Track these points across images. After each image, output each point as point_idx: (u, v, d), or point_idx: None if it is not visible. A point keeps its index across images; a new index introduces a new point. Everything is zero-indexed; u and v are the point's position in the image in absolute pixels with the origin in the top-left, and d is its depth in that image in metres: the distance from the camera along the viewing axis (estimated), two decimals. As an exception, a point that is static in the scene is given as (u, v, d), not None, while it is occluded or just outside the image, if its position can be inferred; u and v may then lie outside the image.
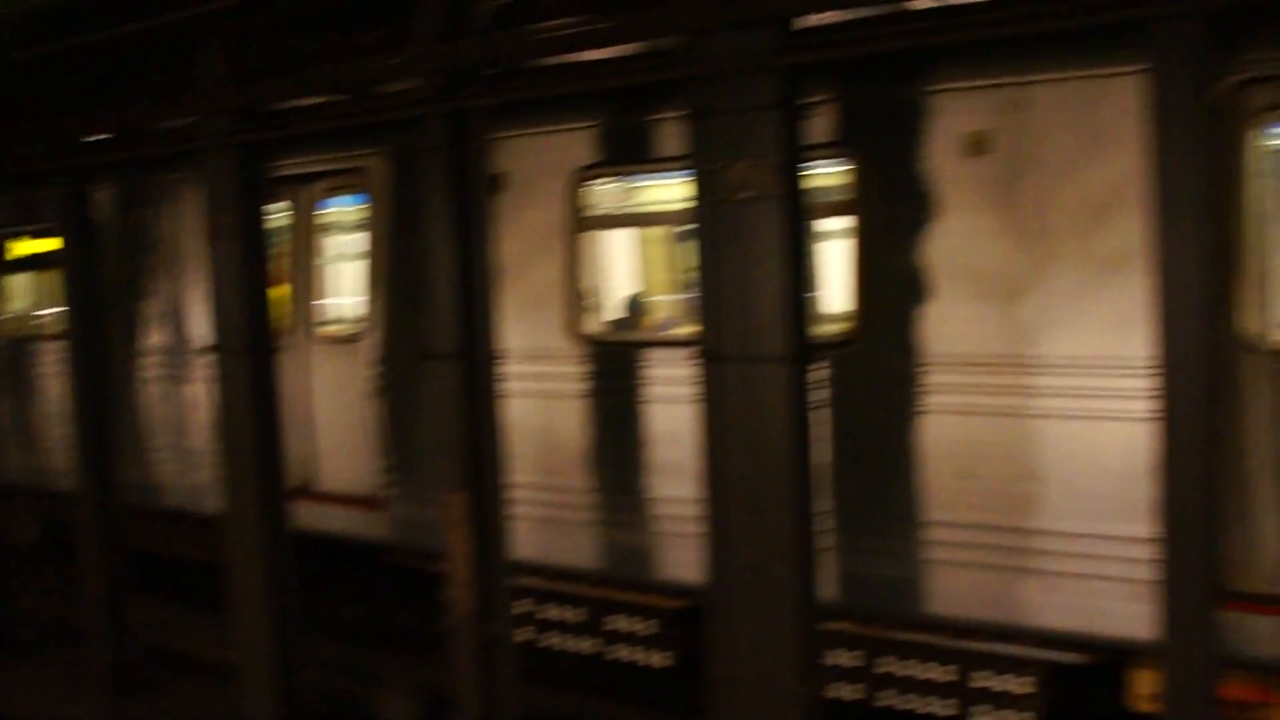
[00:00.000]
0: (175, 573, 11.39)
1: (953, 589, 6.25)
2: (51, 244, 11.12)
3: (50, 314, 12.28)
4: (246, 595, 7.62)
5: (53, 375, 11.08)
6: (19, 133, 8.96)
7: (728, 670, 5.69)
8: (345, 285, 8.98)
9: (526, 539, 7.21)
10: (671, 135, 6.71)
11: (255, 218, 7.32)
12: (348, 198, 8.82)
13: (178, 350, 9.67)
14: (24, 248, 11.39)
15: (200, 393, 9.48)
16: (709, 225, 5.52)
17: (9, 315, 11.65)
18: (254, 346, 7.33)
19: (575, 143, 7.24)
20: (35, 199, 10.95)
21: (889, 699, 6.75)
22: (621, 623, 7.59)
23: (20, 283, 11.89)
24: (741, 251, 5.42)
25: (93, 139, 8.52)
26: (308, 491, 8.59)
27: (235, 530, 7.59)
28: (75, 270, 8.56)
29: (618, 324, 8.00)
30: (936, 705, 6.55)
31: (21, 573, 10.49)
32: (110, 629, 8.82)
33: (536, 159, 7.39)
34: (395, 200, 8.22)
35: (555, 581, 7.78)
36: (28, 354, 11.23)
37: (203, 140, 7.39)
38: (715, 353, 5.56)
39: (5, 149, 9.17)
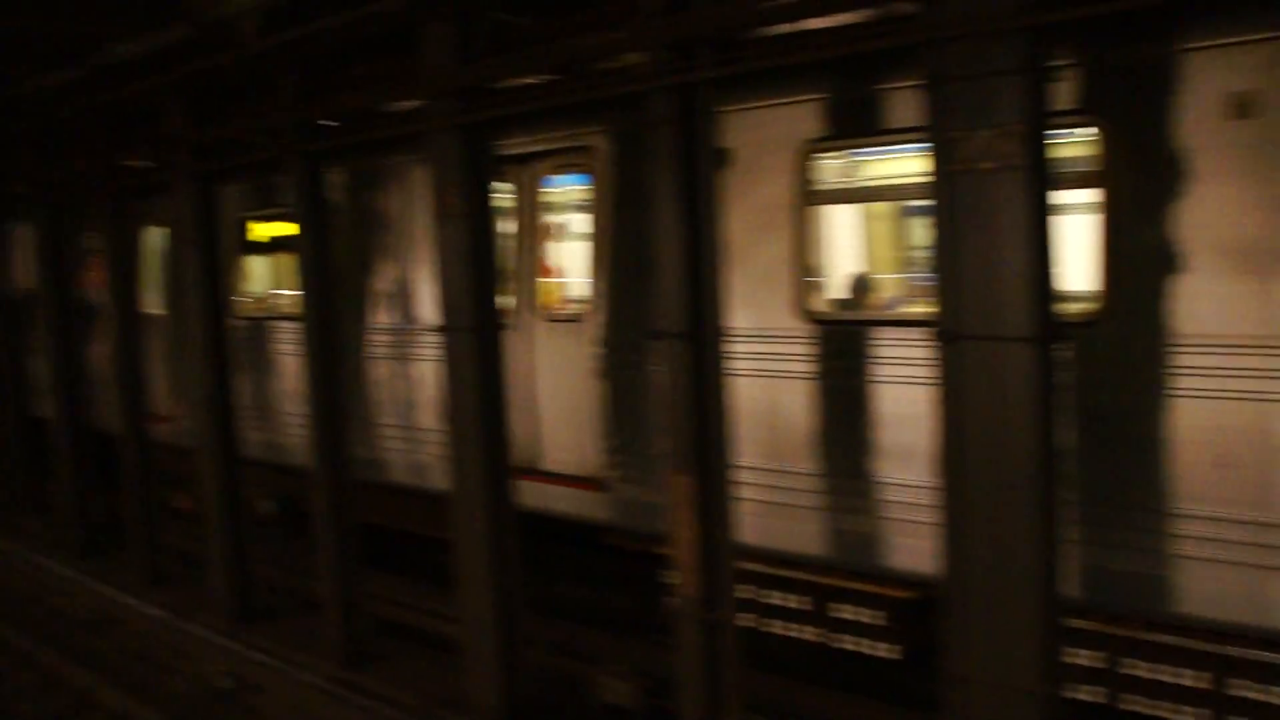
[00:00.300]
0: (401, 546, 11.81)
1: (1208, 588, 5.84)
2: (287, 227, 11.68)
3: (286, 295, 12.88)
4: (471, 573, 7.77)
5: (288, 354, 11.60)
6: (257, 121, 9.33)
7: (963, 666, 5.47)
8: (568, 265, 9.04)
9: (749, 523, 7.12)
10: (904, 105, 6.46)
11: (482, 197, 7.41)
12: (570, 177, 8.87)
13: (406, 329, 9.93)
14: (263, 231, 11.88)
15: (426, 371, 9.75)
16: (947, 198, 5.28)
17: (249, 296, 12.19)
18: (481, 326, 7.44)
19: (803, 115, 7.06)
20: (273, 184, 11.47)
21: (1134, 704, 6.38)
22: (847, 612, 7.41)
23: (259, 265, 12.44)
24: (983, 225, 5.17)
25: (324, 124, 8.78)
26: (530, 471, 8.68)
27: (461, 508, 7.74)
28: (309, 252, 8.86)
29: (845, 303, 7.80)
30: (1189, 714, 6.15)
31: (259, 544, 10.99)
32: (341, 600, 9.13)
33: (762, 133, 7.22)
34: (618, 178, 8.20)
35: (778, 567, 7.66)
36: (265, 333, 11.74)
37: (429, 121, 7.53)
38: (953, 332, 5.33)
39: (245, 137, 9.57)
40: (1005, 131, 5.04)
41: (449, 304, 7.55)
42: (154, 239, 13.69)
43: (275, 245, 11.89)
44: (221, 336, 10.25)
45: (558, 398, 8.73)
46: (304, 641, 9.68)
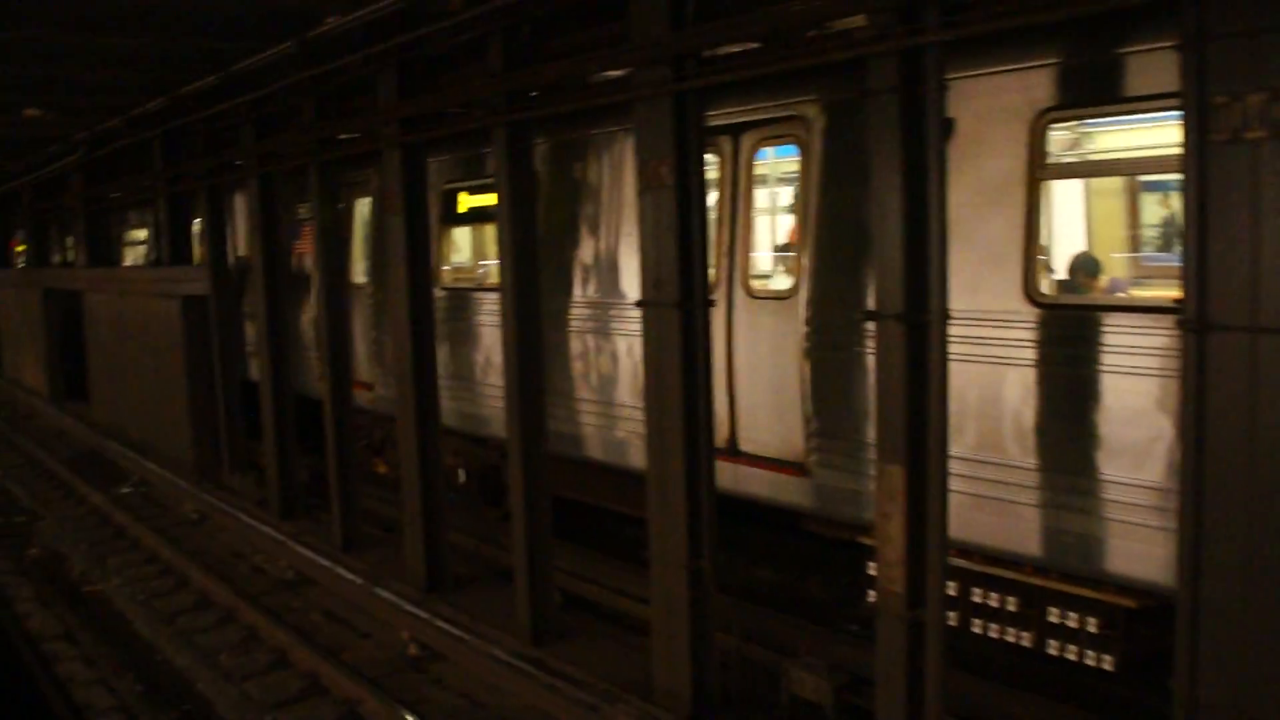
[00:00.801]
0: (593, 521, 11.79)
1: None
2: (490, 198, 11.74)
3: (486, 266, 12.99)
4: (666, 554, 7.61)
5: (485, 325, 11.69)
6: (464, 91, 9.34)
7: (1197, 690, 5.04)
8: (774, 240, 8.78)
9: (956, 516, 6.75)
10: (1155, 69, 5.95)
11: (691, 168, 7.21)
12: (777, 148, 8.60)
13: (605, 302, 9.83)
14: (466, 201, 11.97)
15: (625, 346, 9.65)
16: (1202, 172, 4.84)
17: (449, 266, 12.32)
18: (687, 301, 7.25)
19: (1037, 82, 6.61)
20: (477, 155, 11.54)
21: None
22: (1061, 616, 6.97)
23: (461, 236, 12.57)
24: (1245, 202, 4.71)
25: (531, 94, 8.72)
26: (723, 452, 8.46)
27: (659, 488, 7.59)
28: (512, 223, 8.81)
29: (1076, 285, 7.32)
30: None
31: (450, 512, 11.11)
32: (531, 575, 9.11)
33: (988, 102, 6.81)
34: (829, 149, 7.90)
35: (986, 565, 7.27)
36: (464, 304, 11.85)
37: (639, 89, 7.37)
38: (1204, 321, 4.89)
39: (451, 108, 9.62)
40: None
41: (654, 278, 7.38)
42: (363, 210, 14.00)
43: (477, 216, 11.97)
44: (426, 307, 10.34)
45: (758, 377, 8.49)
46: (491, 613, 9.72)
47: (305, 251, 15.39)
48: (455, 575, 10.75)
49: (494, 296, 11.38)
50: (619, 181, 9.86)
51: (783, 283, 8.58)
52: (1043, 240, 6.81)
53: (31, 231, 24.67)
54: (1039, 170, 6.62)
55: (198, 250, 17.11)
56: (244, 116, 13.03)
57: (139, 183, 18.04)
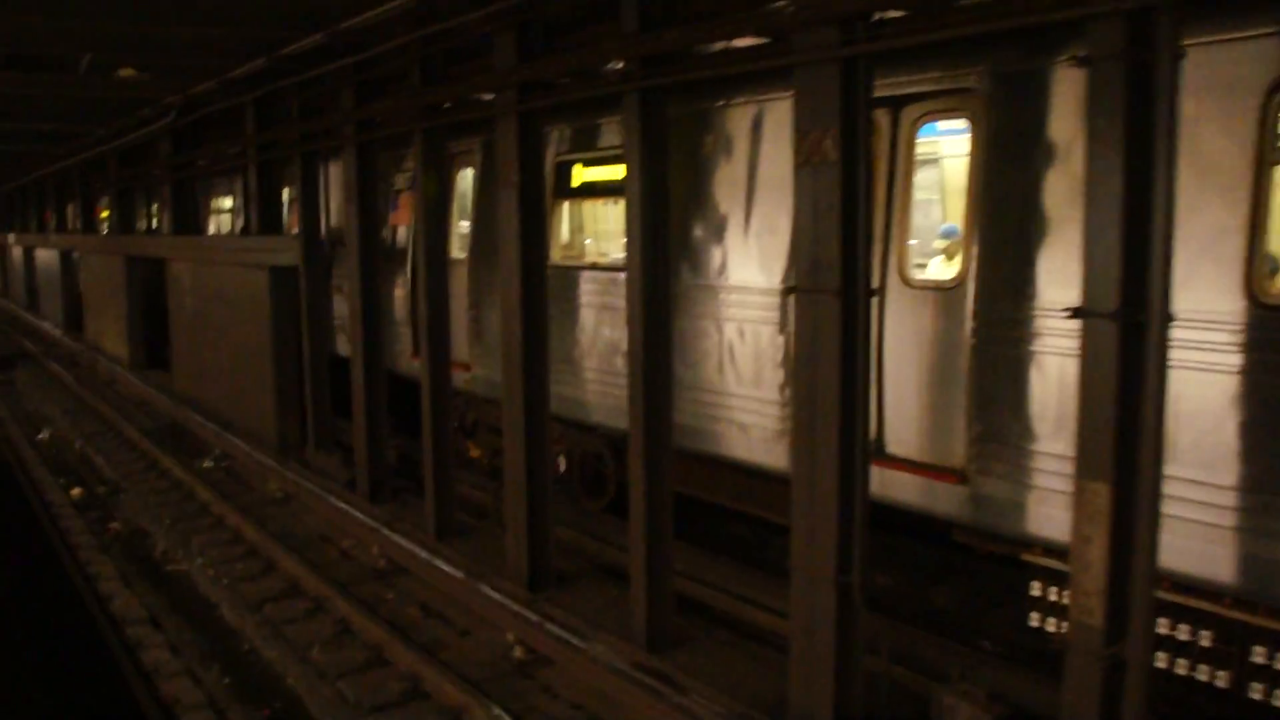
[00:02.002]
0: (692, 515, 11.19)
1: None
2: (606, 171, 11.17)
3: (598, 243, 12.42)
4: (811, 565, 6.97)
5: (593, 306, 11.12)
6: (595, 51, 8.74)
7: None
8: (937, 225, 8.09)
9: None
10: None
11: (858, 142, 6.54)
12: (941, 124, 7.91)
13: (714, 286, 9.18)
14: (578, 175, 11.40)
15: (734, 331, 9.04)
16: None
17: (560, 243, 11.76)
18: (848, 289, 6.59)
19: (1271, 52, 5.86)
20: (594, 125, 10.95)
21: None
22: (1269, 656, 6.26)
23: (572, 210, 12.00)
24: None
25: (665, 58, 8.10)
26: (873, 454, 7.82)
27: (806, 493, 6.94)
28: (642, 199, 8.20)
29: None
30: None
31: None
32: (649, 578, 8.53)
33: (1210, 73, 6.06)
34: (1006, 126, 7.19)
35: (1180, 594, 6.56)
36: (570, 282, 11.28)
37: (801, 54, 6.70)
38: None
39: (577, 73, 9.03)
40: None
41: (810, 262, 6.73)
42: (463, 182, 13.49)
43: (592, 190, 11.40)
44: (539, 286, 9.76)
45: (912, 373, 7.83)
46: (600, 615, 9.17)
47: (399, 224, 14.92)
48: (560, 570, 10.20)
49: (605, 276, 11.01)
50: (742, 157, 9.23)
51: (947, 272, 7.90)
52: (1272, 233, 6.06)
53: (116, 198, 24.50)
54: (1271, 153, 5.87)
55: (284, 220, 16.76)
56: (345, 80, 12.52)
57: (229, 149, 17.69)
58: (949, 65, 7.47)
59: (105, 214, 28.10)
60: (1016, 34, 6.90)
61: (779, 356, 8.96)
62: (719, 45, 8.32)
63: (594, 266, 11.23)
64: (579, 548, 11.21)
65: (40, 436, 18.99)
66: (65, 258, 31.32)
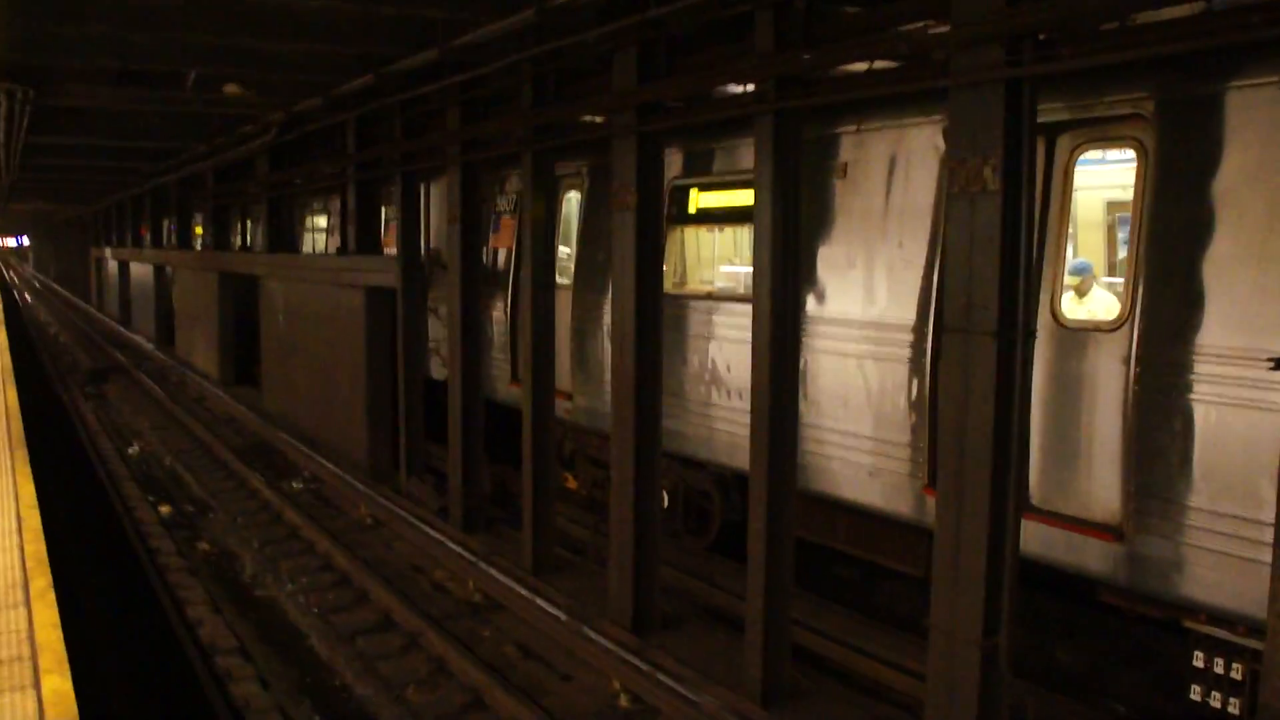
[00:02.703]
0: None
1: None
2: (725, 196, 10.82)
3: (713, 271, 12.06)
4: (953, 625, 6.49)
5: (701, 337, 10.75)
6: (725, 70, 8.39)
7: None
8: (1096, 261, 7.60)
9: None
10: None
11: (1022, 170, 6.09)
12: (1102, 152, 7.44)
13: (875, 324, 8.75)
14: (699, 200, 11.05)
15: (901, 375, 8.62)
16: None
17: (671, 270, 11.41)
18: (1008, 329, 6.13)
19: None
20: (711, 149, 10.61)
21: None
22: None
23: (686, 237, 11.65)
24: None
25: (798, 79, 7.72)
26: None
27: (950, 547, 6.47)
28: (773, 226, 7.81)
29: None
30: None
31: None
32: (766, 628, 8.10)
33: None
34: (1179, 155, 6.70)
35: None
36: (680, 311, 10.91)
37: (960, 75, 6.27)
38: None
39: (702, 93, 8.68)
40: None
41: (964, 299, 6.27)
42: (569, 205, 13.21)
43: (709, 217, 11.06)
44: (655, 315, 9.40)
45: (1062, 418, 7.33)
46: (708, 663, 8.76)
47: (499, 247, 14.68)
48: (665, 613, 9.79)
49: (719, 306, 10.62)
50: (877, 186, 8.83)
51: (1106, 311, 7.40)
52: None
53: (212, 214, 24.67)
54: None
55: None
56: (451, 98, 12.30)
57: (327, 168, 17.63)
58: (1114, 89, 6.99)
59: (200, 230, 28.35)
60: (1184, 57, 6.47)
61: (908, 396, 8.52)
62: (855, 67, 7.98)
63: (711, 296, 10.83)
64: (683, 588, 10.80)
65: (130, 451, 18.99)
66: (159, 273, 31.68)
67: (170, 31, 10.89)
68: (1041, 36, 6.02)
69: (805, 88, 7.72)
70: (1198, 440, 6.51)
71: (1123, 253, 8.55)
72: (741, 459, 10.29)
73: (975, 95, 6.19)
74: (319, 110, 15.40)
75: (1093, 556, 7.11)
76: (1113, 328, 7.07)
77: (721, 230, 11.86)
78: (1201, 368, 6.44)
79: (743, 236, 11.66)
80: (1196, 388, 6.48)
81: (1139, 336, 6.79)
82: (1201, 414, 6.47)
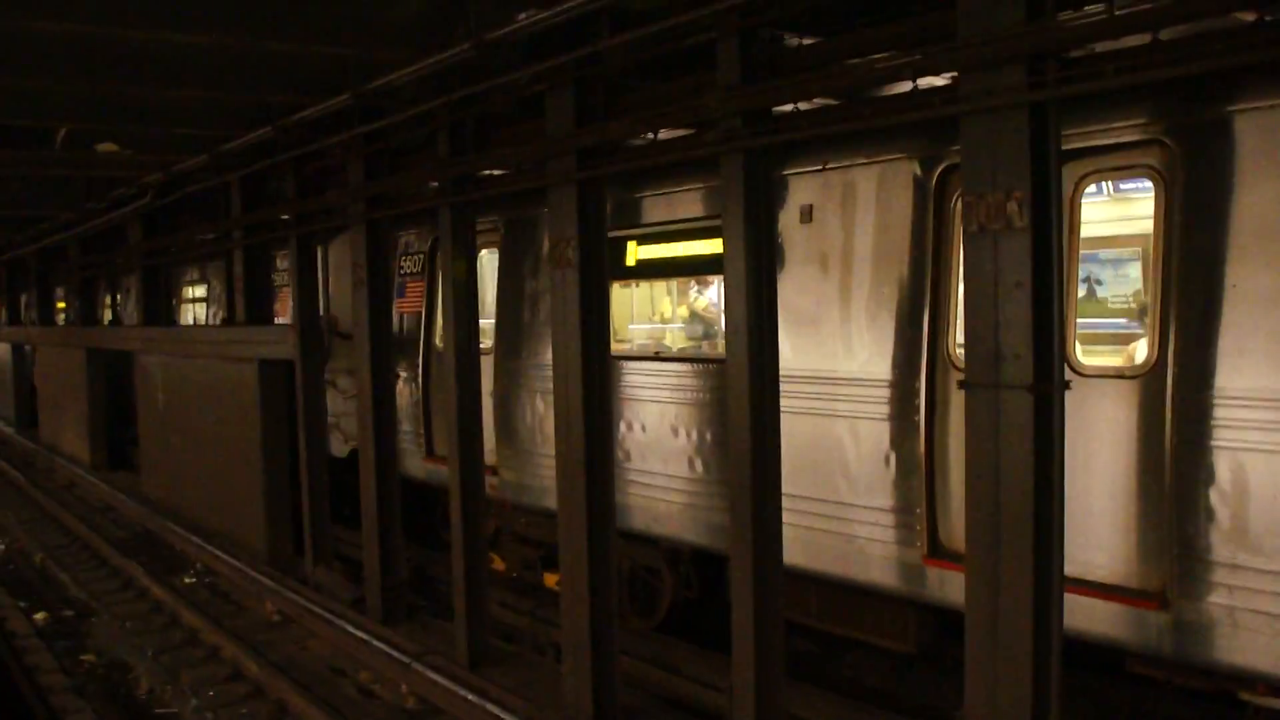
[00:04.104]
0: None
1: None
2: (669, 248, 10.23)
3: (659, 329, 11.44)
4: (993, 710, 5.85)
5: (645, 401, 10.12)
6: (687, 107, 7.77)
7: None
8: (1111, 303, 7.14)
9: None
10: None
11: (1049, 202, 5.57)
12: (1118, 182, 7.00)
13: (891, 381, 8.13)
14: (638, 252, 10.41)
15: (889, 435, 8.04)
16: None
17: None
18: (1043, 382, 5.55)
19: None
20: (650, 196, 10.03)
21: None
22: None
23: (622, 293, 11.01)
24: None
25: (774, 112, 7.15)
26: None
27: (987, 626, 5.84)
28: (747, 276, 7.17)
29: None
30: None
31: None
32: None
33: None
34: (1202, 183, 6.26)
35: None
36: (618, 374, 10.24)
37: (973, 100, 5.73)
38: None
39: (656, 131, 8.06)
40: None
41: (989, 350, 5.69)
42: (486, 264, 12.46)
43: (651, 270, 10.43)
44: (603, 381, 8.69)
45: (1085, 476, 6.79)
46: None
47: (406, 311, 13.86)
48: (627, 707, 9.00)
49: (665, 367, 9.99)
50: (846, 231, 8.32)
51: (1128, 359, 6.92)
52: None
53: (79, 287, 23.28)
54: None
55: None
56: (355, 151, 11.47)
57: (205, 235, 16.60)
58: (1126, 115, 6.55)
59: (63, 304, 26.85)
60: (1196, 81, 6.07)
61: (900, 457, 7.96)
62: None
63: (658, 357, 10.18)
64: (640, 676, 9.99)
65: (-6, 550, 17.56)
66: (17, 351, 29.93)
67: (37, 79, 9.84)
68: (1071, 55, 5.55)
69: (776, 123, 7.14)
70: (1251, 493, 6.01)
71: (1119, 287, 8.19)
72: (701, 533, 9.66)
73: (992, 122, 5.65)
74: (201, 170, 14.38)
75: (1134, 626, 6.57)
76: (1138, 374, 6.57)
77: (663, 285, 11.27)
78: (1253, 413, 5.95)
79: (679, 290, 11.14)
80: (1248, 436, 5.99)
81: (1174, 382, 6.28)
82: (1257, 464, 5.97)
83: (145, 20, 8.28)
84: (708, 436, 9.52)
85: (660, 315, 11.73)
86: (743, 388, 7.25)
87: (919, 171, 7.80)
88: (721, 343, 10.82)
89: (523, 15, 7.65)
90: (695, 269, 10.09)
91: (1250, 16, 5.13)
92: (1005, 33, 5.52)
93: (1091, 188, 7.00)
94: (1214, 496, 6.19)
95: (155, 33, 8.56)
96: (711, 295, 10.89)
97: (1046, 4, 5.49)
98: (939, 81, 6.68)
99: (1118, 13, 5.23)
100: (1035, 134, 5.52)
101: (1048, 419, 5.60)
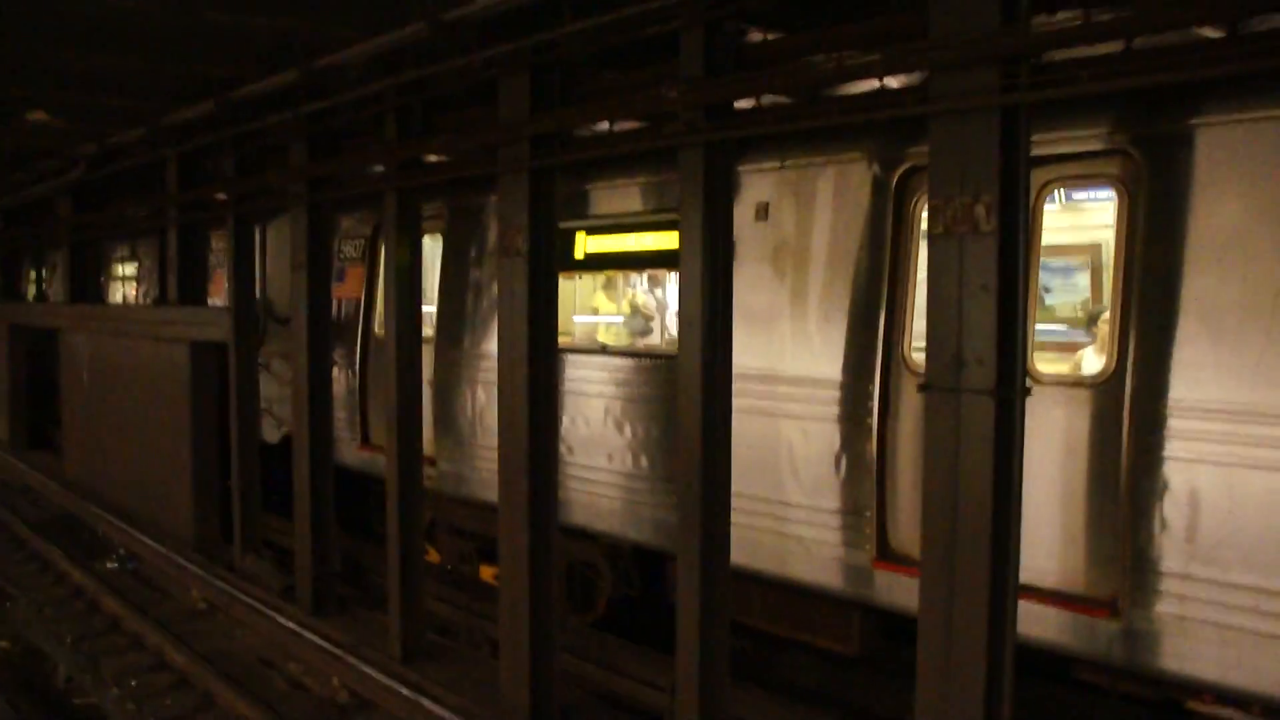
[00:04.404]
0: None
1: None
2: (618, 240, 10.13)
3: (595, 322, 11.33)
4: (946, 716, 5.82)
5: (586, 395, 10.03)
6: (645, 99, 7.65)
7: None
8: (1074, 311, 7.14)
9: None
10: None
11: (1017, 205, 5.55)
12: (1076, 190, 7.00)
13: (843, 382, 8.07)
14: (587, 244, 10.28)
15: (838, 435, 7.99)
16: None
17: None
18: (1005, 386, 5.53)
19: None
20: (599, 188, 9.91)
21: None
22: None
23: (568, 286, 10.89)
24: None
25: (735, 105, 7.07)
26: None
27: (940, 631, 5.81)
28: (703, 272, 7.08)
29: None
30: None
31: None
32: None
33: None
34: (1168, 193, 6.28)
35: None
36: (569, 369, 10.13)
37: (942, 101, 5.69)
38: None
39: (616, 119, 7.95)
40: None
41: (951, 354, 5.66)
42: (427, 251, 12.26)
43: (599, 263, 10.31)
44: (550, 372, 8.57)
45: (1037, 485, 6.78)
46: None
47: (344, 297, 13.62)
48: (563, 705, 8.89)
49: (611, 362, 9.90)
50: (803, 229, 8.27)
51: (1089, 364, 6.92)
52: None
53: (1, 261, 22.70)
54: None
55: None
56: (298, 131, 11.22)
57: (143, 209, 16.19)
58: (1090, 123, 6.54)
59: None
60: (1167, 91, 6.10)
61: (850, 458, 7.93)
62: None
63: (604, 351, 10.07)
64: (578, 674, 9.87)
65: (-95, 531, 17.03)
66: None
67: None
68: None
69: (736, 117, 7.07)
70: (1204, 505, 6.03)
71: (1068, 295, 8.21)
72: (644, 530, 9.58)
73: (962, 124, 5.62)
74: (138, 144, 14.01)
75: (1083, 634, 6.58)
76: (1098, 382, 6.57)
77: (612, 278, 11.16)
78: (1210, 425, 5.97)
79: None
80: (1203, 448, 6.01)
81: (1132, 391, 6.29)
82: (1212, 476, 6.00)
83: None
84: (653, 432, 9.43)
85: (603, 308, 11.63)
86: (695, 385, 7.16)
87: (879, 172, 7.76)
88: (666, 338, 10.89)
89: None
90: (646, 263, 9.99)
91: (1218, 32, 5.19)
92: (980, 34, 5.48)
93: (1054, 194, 6.99)
94: (1168, 506, 6.21)
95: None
96: (657, 290, 10.83)
97: (1021, 7, 5.45)
98: (894, 83, 6.64)
99: (1095, 19, 5.20)
100: (1006, 137, 5.49)
101: (1009, 425, 5.58)
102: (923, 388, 5.79)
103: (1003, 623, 5.66)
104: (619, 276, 11.38)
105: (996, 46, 5.43)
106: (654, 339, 11.23)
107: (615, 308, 12.08)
